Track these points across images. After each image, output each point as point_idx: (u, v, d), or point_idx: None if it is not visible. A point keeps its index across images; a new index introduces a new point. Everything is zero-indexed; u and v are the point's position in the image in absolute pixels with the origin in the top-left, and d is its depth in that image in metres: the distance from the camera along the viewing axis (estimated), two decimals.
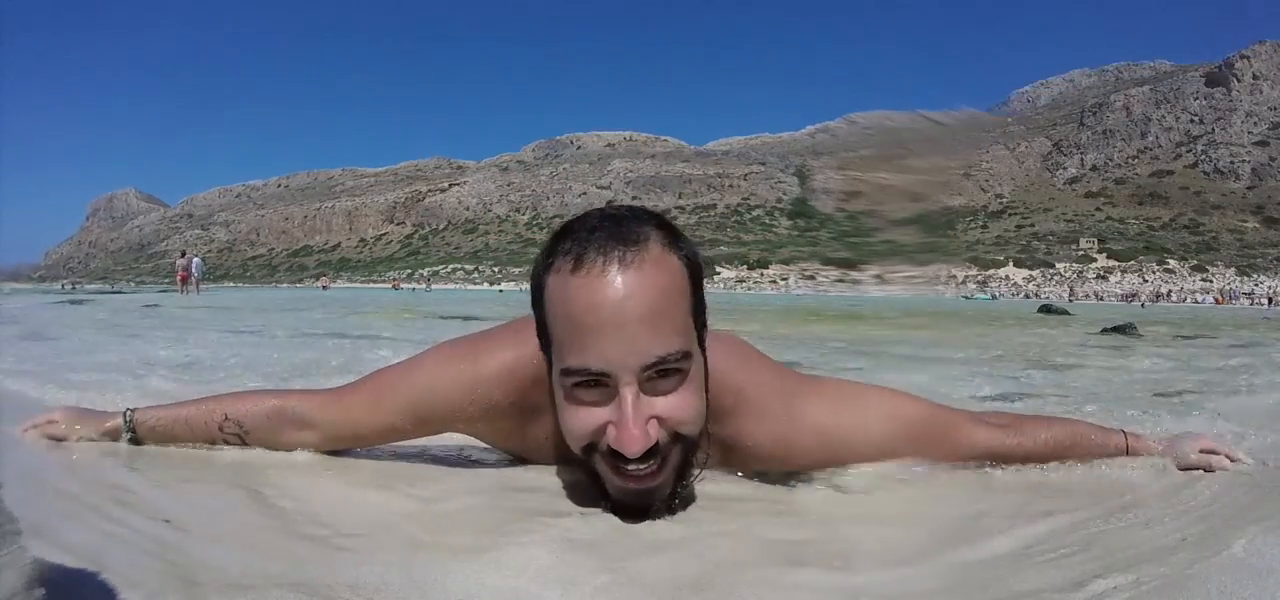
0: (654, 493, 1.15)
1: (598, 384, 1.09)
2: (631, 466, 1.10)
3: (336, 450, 1.50)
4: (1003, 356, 5.25)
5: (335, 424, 1.45)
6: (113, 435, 1.53)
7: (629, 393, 1.07)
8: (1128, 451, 1.56)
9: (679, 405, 1.11)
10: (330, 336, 6.19)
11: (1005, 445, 1.48)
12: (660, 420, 1.10)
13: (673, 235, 1.15)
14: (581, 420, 1.11)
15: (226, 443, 1.51)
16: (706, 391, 1.18)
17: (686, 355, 1.11)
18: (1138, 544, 1.04)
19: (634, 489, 1.13)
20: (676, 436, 1.13)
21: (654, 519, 1.16)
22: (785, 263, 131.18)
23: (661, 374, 1.09)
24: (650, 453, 1.10)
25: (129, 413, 1.55)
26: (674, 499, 1.19)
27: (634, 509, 1.16)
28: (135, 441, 1.53)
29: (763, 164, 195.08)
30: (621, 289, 1.06)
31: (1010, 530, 1.14)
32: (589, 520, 1.14)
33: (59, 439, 1.53)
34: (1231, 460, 1.52)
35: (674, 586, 0.93)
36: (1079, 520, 1.18)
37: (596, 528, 1.11)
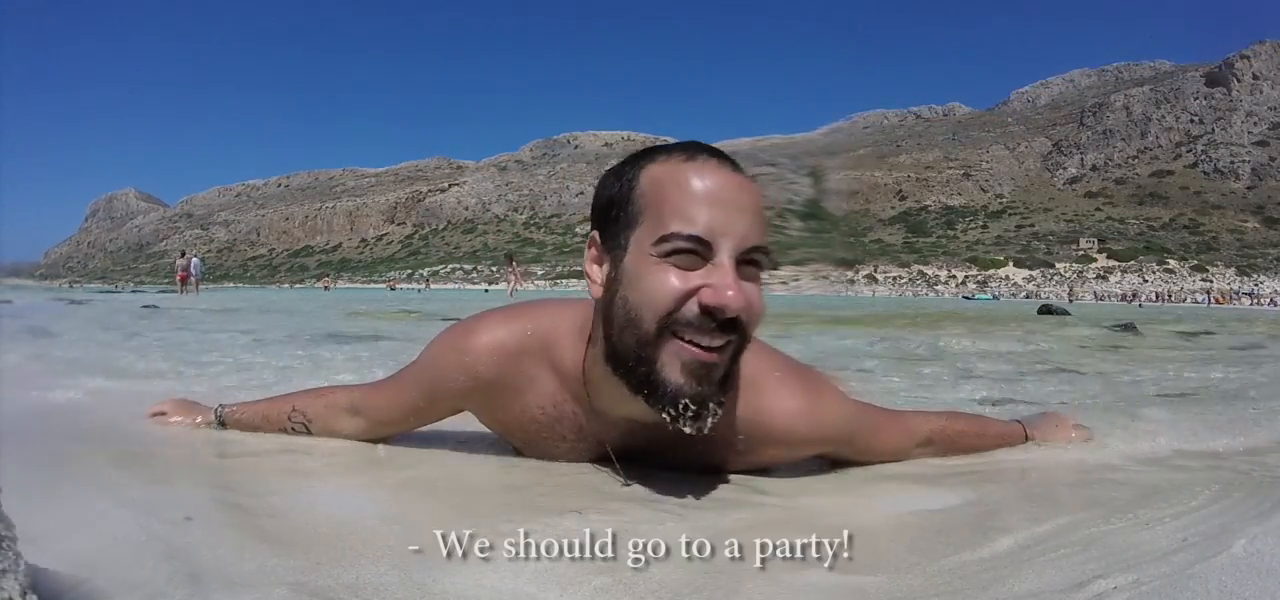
0: (713, 376, 1.18)
1: (692, 253, 1.14)
2: (706, 340, 1.15)
3: (376, 438, 1.62)
4: (1002, 357, 5.24)
5: (375, 409, 1.59)
6: (207, 424, 1.74)
7: (729, 261, 1.13)
8: (1026, 439, 1.73)
9: (757, 296, 1.18)
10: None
11: (931, 437, 1.61)
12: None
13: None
14: (673, 282, 1.14)
15: (295, 432, 1.66)
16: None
17: (769, 255, 1.19)
18: (1138, 544, 1.04)
19: (703, 362, 1.15)
20: (740, 325, 1.18)
21: (698, 421, 1.18)
22: (798, 264, 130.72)
23: (750, 264, 1.17)
24: (729, 324, 1.15)
25: (220, 408, 1.75)
26: (720, 402, 1.20)
27: (693, 407, 1.17)
28: (223, 429, 1.73)
29: (773, 165, 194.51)
30: (735, 181, 1.17)
31: (1010, 530, 1.14)
32: (589, 520, 1.14)
33: (169, 424, 1.75)
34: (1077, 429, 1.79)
35: (674, 587, 0.93)
36: (1079, 520, 1.18)
37: (596, 528, 1.11)
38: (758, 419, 1.36)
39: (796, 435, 1.39)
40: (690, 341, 1.14)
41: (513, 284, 25.21)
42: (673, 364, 1.16)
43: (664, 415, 1.18)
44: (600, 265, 1.25)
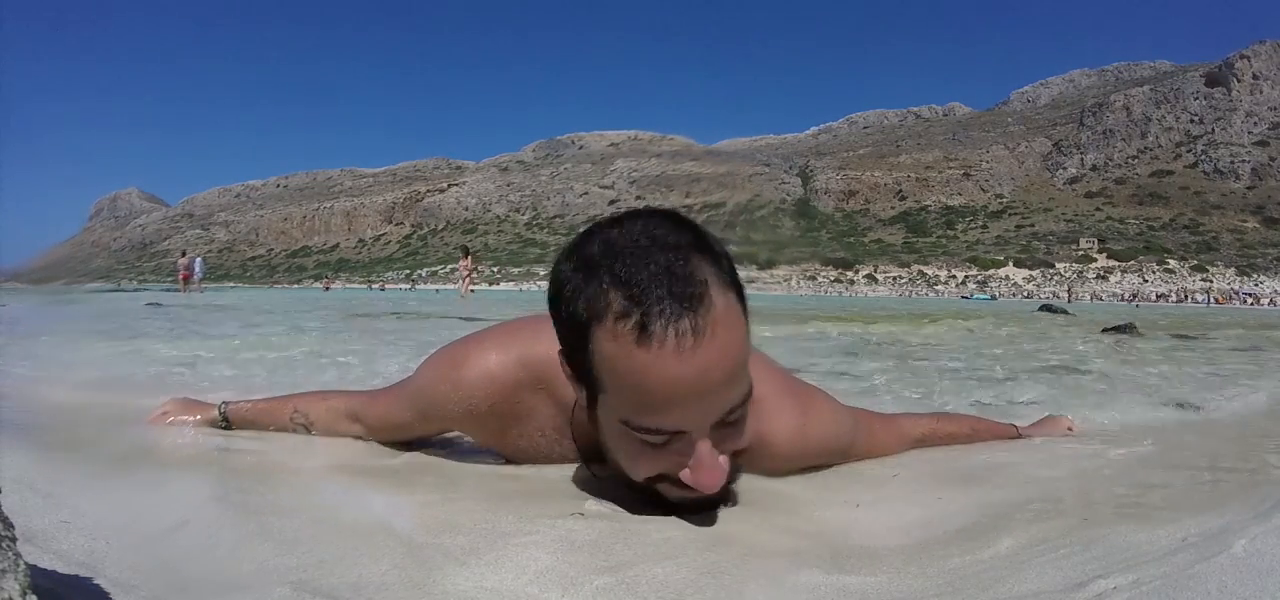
0: (716, 498, 1.17)
1: (665, 439, 1.08)
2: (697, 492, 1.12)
3: (358, 441, 1.64)
4: (1002, 357, 5.24)
5: (373, 418, 1.61)
6: (210, 422, 1.74)
7: (705, 445, 1.07)
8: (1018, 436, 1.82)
9: (742, 436, 1.14)
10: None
11: (924, 438, 1.68)
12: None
13: (715, 259, 1.06)
14: (651, 463, 1.11)
15: (295, 431, 1.68)
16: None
17: (749, 393, 1.11)
18: (1138, 544, 1.04)
19: (703, 500, 1.15)
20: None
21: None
22: (791, 263, 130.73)
23: (729, 423, 1.10)
24: None
25: (223, 404, 1.76)
26: (728, 492, 1.23)
27: (703, 511, 1.19)
28: (227, 426, 1.73)
29: (767, 165, 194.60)
30: (701, 363, 1.00)
31: (1010, 530, 1.13)
32: (589, 521, 1.14)
33: (172, 422, 1.74)
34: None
35: (676, 587, 0.93)
36: (1079, 520, 1.17)
37: (597, 528, 1.11)
38: (758, 442, 1.36)
39: (795, 451, 1.41)
40: (683, 488, 1.12)
41: (466, 284, 20.94)
42: (671, 494, 1.15)
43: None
44: (572, 379, 1.16)
